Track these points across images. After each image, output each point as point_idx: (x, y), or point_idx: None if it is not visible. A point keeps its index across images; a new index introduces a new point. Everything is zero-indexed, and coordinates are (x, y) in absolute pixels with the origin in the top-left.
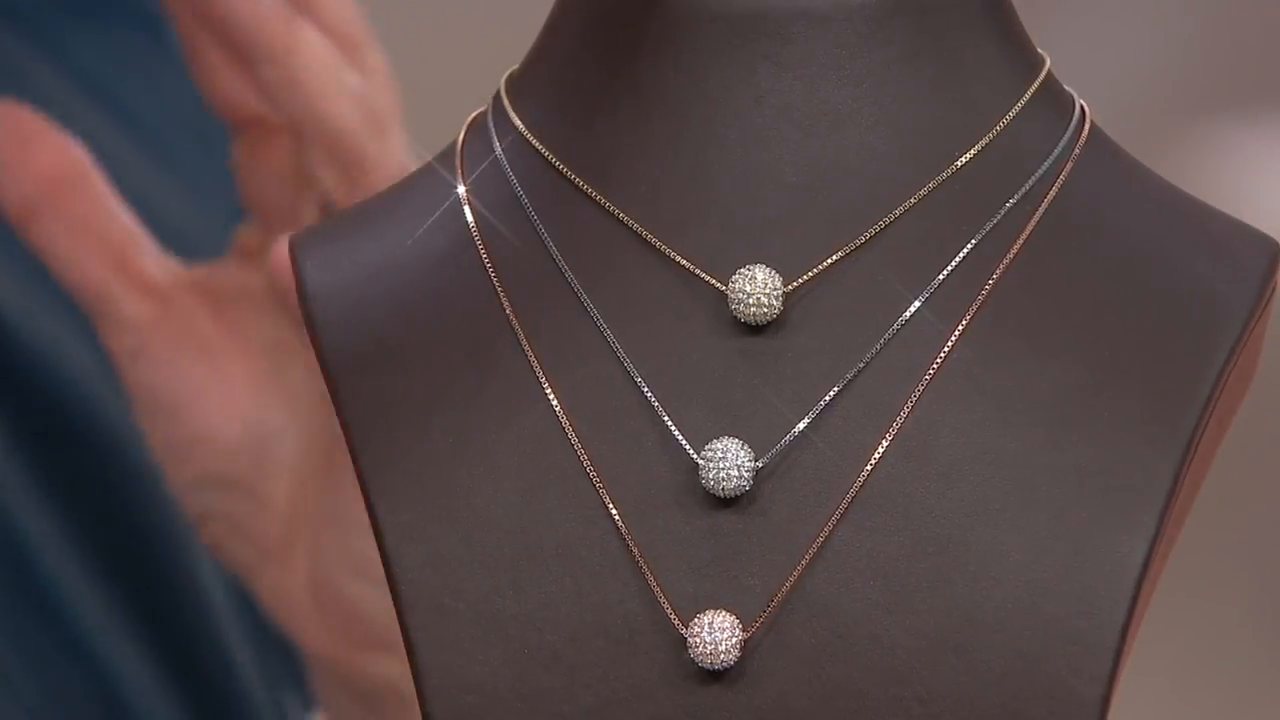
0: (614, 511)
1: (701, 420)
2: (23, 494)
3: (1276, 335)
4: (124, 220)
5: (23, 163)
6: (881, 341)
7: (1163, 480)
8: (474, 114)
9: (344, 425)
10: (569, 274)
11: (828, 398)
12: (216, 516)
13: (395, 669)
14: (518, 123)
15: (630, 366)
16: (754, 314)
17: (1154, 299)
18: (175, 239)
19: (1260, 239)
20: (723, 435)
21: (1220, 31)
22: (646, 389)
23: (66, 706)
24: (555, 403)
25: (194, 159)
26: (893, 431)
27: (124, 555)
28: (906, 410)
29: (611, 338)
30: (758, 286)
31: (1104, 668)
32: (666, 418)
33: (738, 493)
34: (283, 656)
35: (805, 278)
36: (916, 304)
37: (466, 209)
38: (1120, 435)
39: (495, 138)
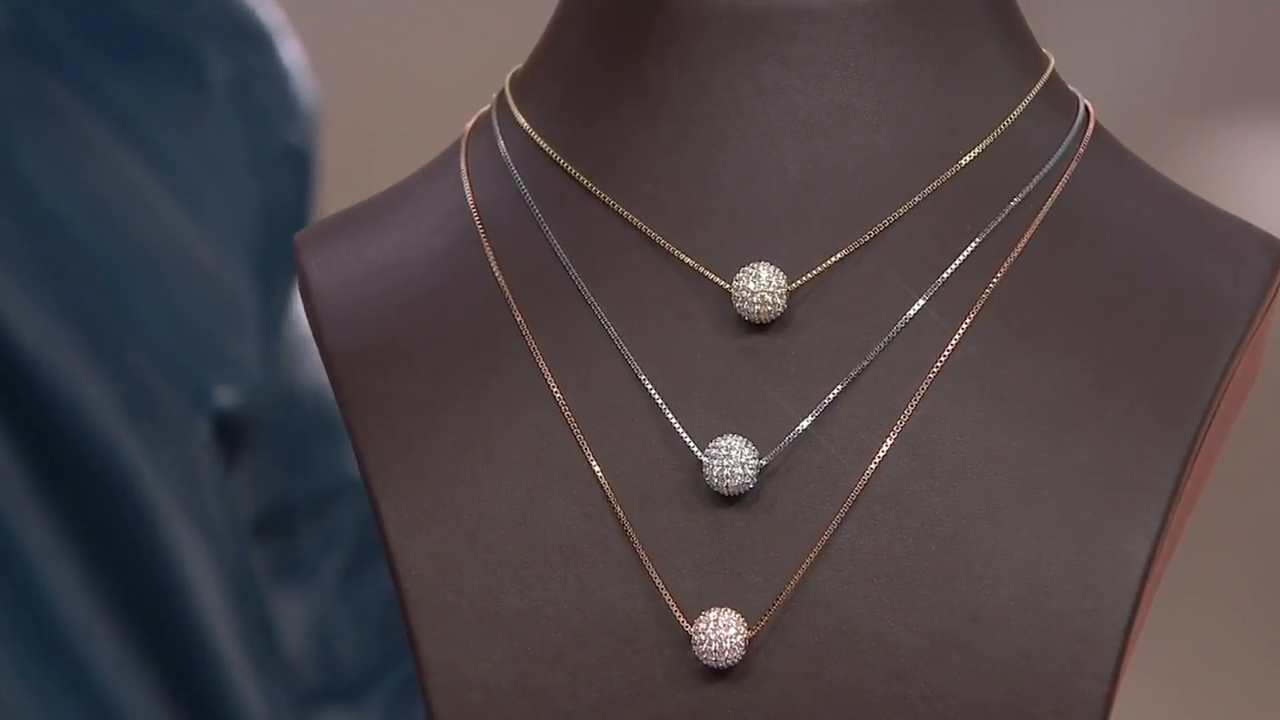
0: (617, 509)
1: (705, 418)
2: (37, 530)
3: (1279, 335)
4: None
5: None
6: (886, 339)
7: (1166, 479)
8: (478, 113)
9: (347, 422)
10: (573, 272)
11: (832, 395)
12: None
13: None
14: (522, 121)
15: (634, 364)
16: (758, 312)
17: (1158, 298)
18: (203, 281)
19: (1264, 239)
20: (727, 433)
21: (1221, 31)
22: (650, 386)
23: None
24: (559, 400)
25: (223, 203)
26: (897, 429)
27: (133, 591)
28: (910, 408)
29: (615, 335)
30: (761, 284)
31: (1107, 666)
32: (670, 415)
33: (741, 490)
34: (287, 686)
35: (809, 276)
36: (921, 302)
37: (471, 207)
38: (1124, 434)
39: (499, 136)
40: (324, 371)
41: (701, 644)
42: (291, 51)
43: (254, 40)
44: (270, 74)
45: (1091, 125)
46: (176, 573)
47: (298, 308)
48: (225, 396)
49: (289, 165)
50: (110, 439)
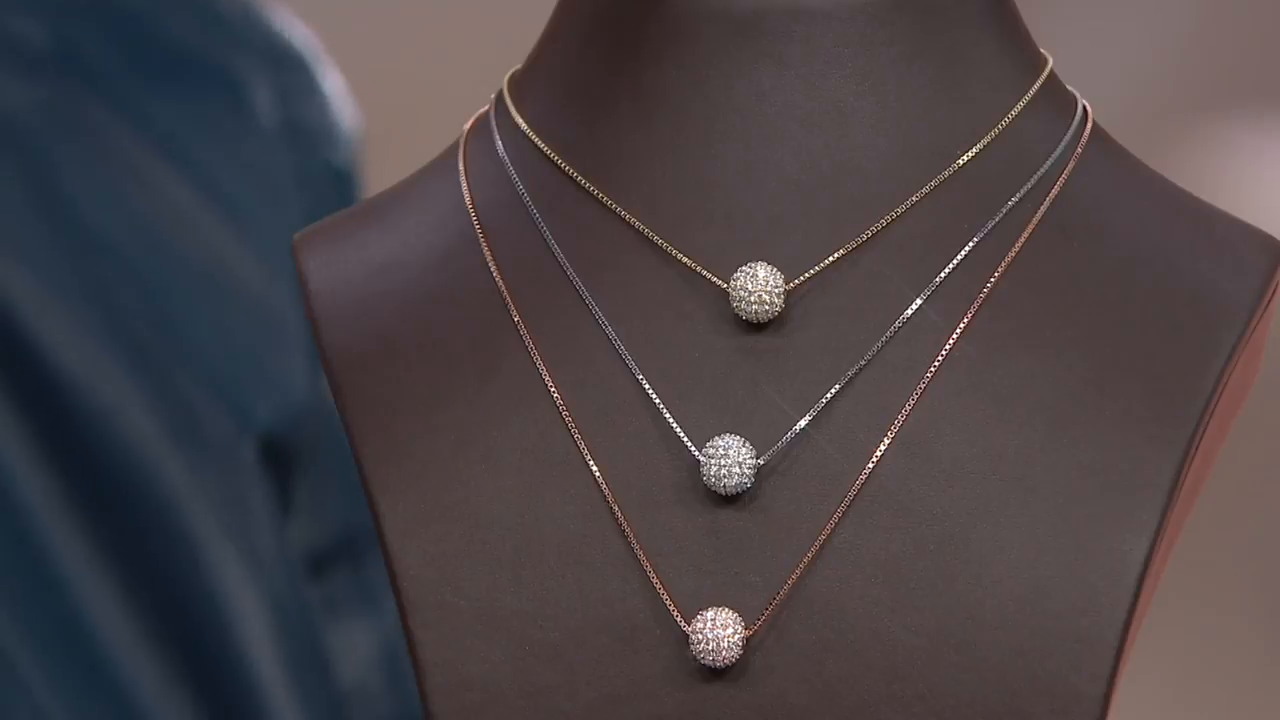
0: (615, 508)
1: (703, 417)
2: (78, 552)
3: (1278, 335)
4: None
5: None
6: (883, 339)
7: (1164, 478)
8: (477, 113)
9: (345, 422)
10: (571, 272)
11: (829, 395)
12: None
13: None
14: (520, 122)
15: (632, 364)
16: (755, 312)
17: (1156, 298)
18: (248, 303)
19: (1263, 239)
20: (724, 432)
21: (1220, 31)
22: (648, 386)
23: None
24: (557, 400)
25: (267, 224)
26: (894, 429)
27: (173, 615)
28: (908, 408)
29: (613, 335)
30: (759, 284)
31: (1105, 666)
32: (668, 415)
33: (739, 490)
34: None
35: (807, 275)
36: (918, 302)
37: (469, 207)
38: (1122, 433)
39: (498, 137)
40: None
41: (699, 643)
42: (331, 77)
43: (293, 64)
44: (311, 97)
45: (1089, 125)
46: (217, 597)
47: None
48: (271, 418)
49: (332, 187)
50: (152, 462)
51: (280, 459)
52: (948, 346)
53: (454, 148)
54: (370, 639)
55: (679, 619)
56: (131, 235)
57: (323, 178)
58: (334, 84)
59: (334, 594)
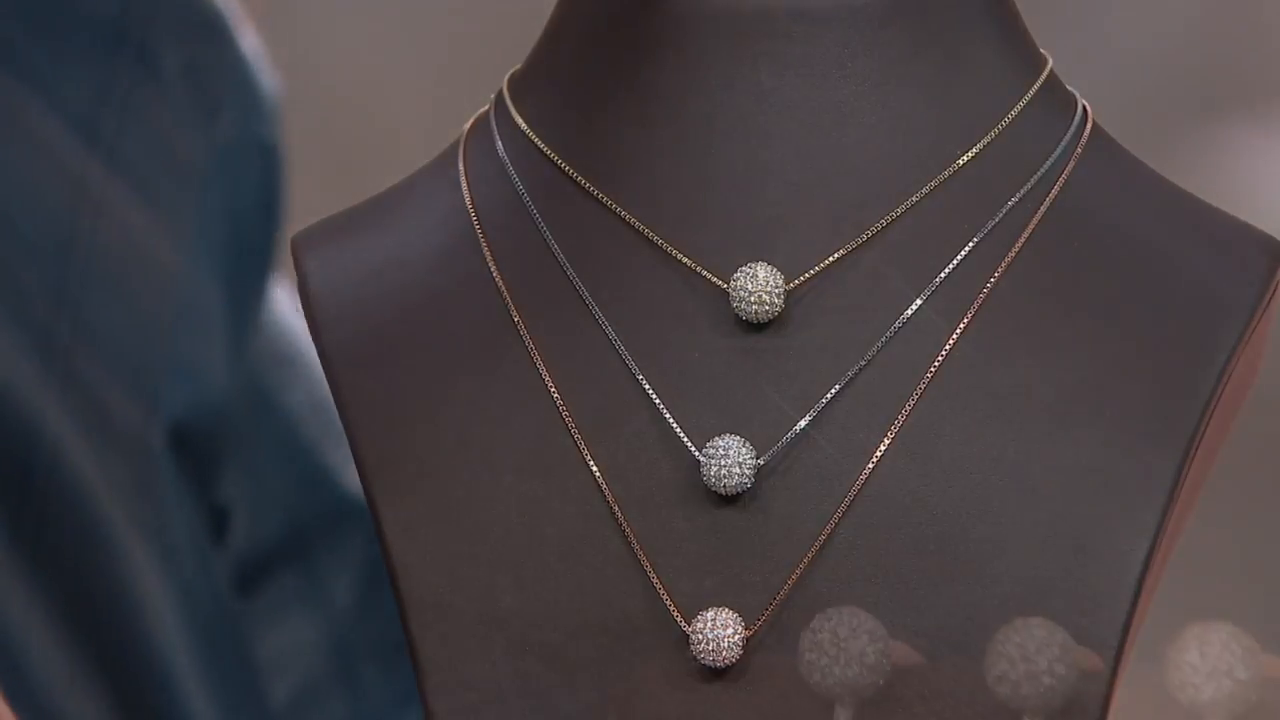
0: (615, 509)
1: (703, 418)
2: None
3: (1278, 336)
4: None
5: None
6: (883, 339)
7: (1164, 479)
8: (477, 113)
9: (345, 423)
10: (571, 272)
11: (829, 395)
12: None
13: None
14: (520, 122)
15: (632, 364)
16: (756, 312)
17: (1156, 298)
18: (162, 283)
19: (1263, 239)
20: (724, 433)
21: (1220, 31)
22: (648, 386)
23: None
24: (557, 400)
25: (182, 199)
26: (894, 429)
27: (80, 605)
28: (908, 408)
29: (614, 335)
30: (759, 285)
31: (1105, 666)
32: (668, 415)
33: (739, 490)
34: (256, 708)
35: (807, 276)
36: (919, 302)
37: (469, 207)
38: (1122, 433)
39: (498, 137)
40: (320, 379)
41: (699, 644)
42: (249, 42)
43: (208, 30)
44: (227, 65)
45: (1089, 125)
46: (124, 584)
47: (282, 312)
48: (185, 405)
49: (252, 158)
50: (55, 447)
51: (199, 449)
52: (948, 346)
53: (454, 148)
54: (319, 636)
55: (679, 619)
56: (33, 212)
57: (241, 149)
58: (252, 48)
59: (283, 592)
